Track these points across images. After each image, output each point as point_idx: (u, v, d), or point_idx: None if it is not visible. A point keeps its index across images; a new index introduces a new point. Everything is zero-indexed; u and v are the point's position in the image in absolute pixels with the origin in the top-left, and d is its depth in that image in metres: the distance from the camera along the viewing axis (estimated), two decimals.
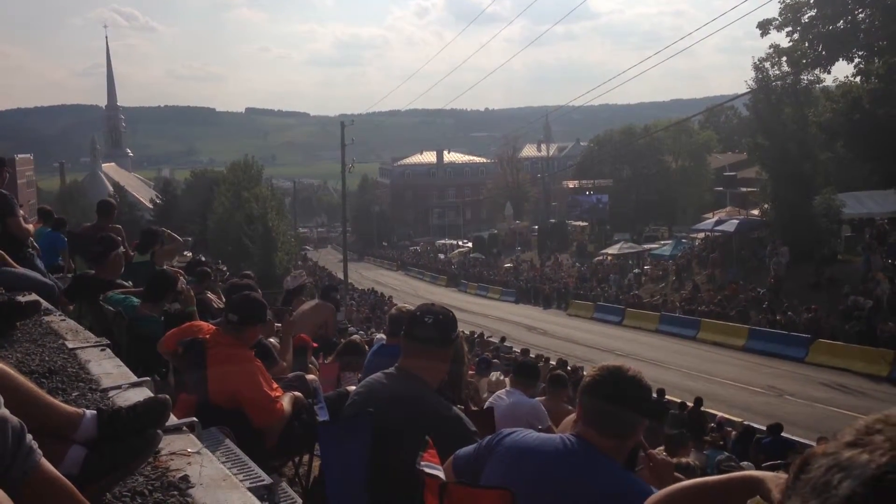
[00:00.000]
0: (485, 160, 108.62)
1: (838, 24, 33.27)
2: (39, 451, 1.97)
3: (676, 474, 2.69)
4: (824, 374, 23.02)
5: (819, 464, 0.91)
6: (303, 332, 7.39)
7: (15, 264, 5.87)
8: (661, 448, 7.84)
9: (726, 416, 16.96)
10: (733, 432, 15.30)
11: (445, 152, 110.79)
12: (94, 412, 2.44)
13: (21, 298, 4.72)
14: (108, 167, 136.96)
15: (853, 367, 22.83)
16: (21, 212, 6.78)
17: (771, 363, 24.73)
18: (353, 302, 39.47)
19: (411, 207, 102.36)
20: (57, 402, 2.46)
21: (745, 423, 16.10)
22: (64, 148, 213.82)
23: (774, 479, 1.73)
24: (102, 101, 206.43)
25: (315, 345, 7.85)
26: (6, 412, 1.97)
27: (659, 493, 2.04)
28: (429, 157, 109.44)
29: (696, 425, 14.71)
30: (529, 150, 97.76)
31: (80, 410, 2.43)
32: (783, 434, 13.96)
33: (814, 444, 9.38)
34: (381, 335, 10.38)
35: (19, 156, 59.35)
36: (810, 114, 33.38)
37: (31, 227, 7.29)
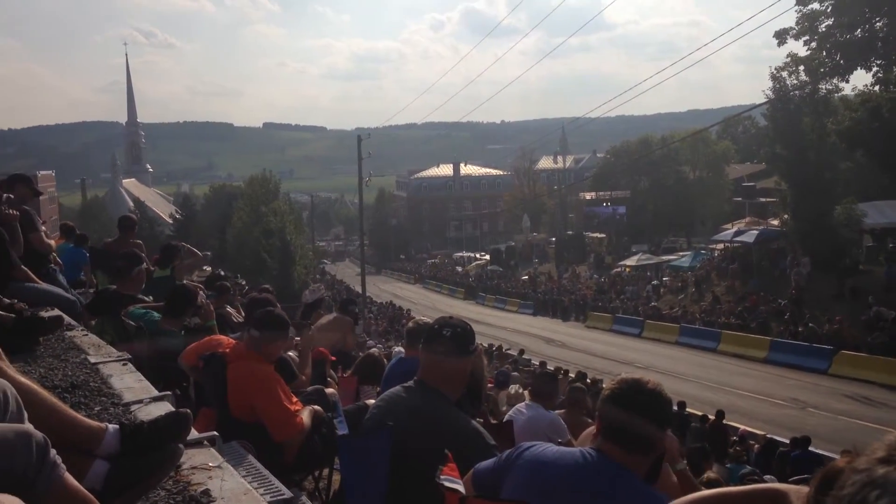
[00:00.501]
0: (501, 172, 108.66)
1: (856, 33, 33.08)
2: (63, 465, 1.99)
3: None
4: (848, 385, 22.78)
5: (853, 480, 0.90)
6: (321, 346, 7.40)
7: (38, 280, 5.93)
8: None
9: (748, 429, 16.79)
10: (756, 445, 15.16)
11: (462, 165, 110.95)
12: (117, 426, 2.46)
13: (44, 314, 4.76)
14: (129, 183, 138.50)
15: (877, 379, 22.56)
16: (43, 228, 6.86)
17: (793, 375, 24.49)
18: (371, 315, 39.54)
19: (428, 220, 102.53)
20: (80, 416, 2.48)
21: (768, 436, 15.96)
22: (85, 164, 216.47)
23: (797, 492, 1.72)
24: (122, 118, 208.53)
25: (333, 358, 7.85)
26: (30, 427, 1.99)
27: (678, 502, 2.02)
28: (445, 169, 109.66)
29: (717, 439, 14.58)
30: (546, 162, 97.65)
31: (102, 425, 2.45)
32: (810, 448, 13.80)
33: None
34: (399, 348, 10.37)
35: (41, 172, 60.10)
36: (829, 123, 33.15)
37: (53, 242, 7.38)
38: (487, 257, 71.05)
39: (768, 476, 11.30)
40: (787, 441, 14.60)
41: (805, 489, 1.33)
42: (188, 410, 2.66)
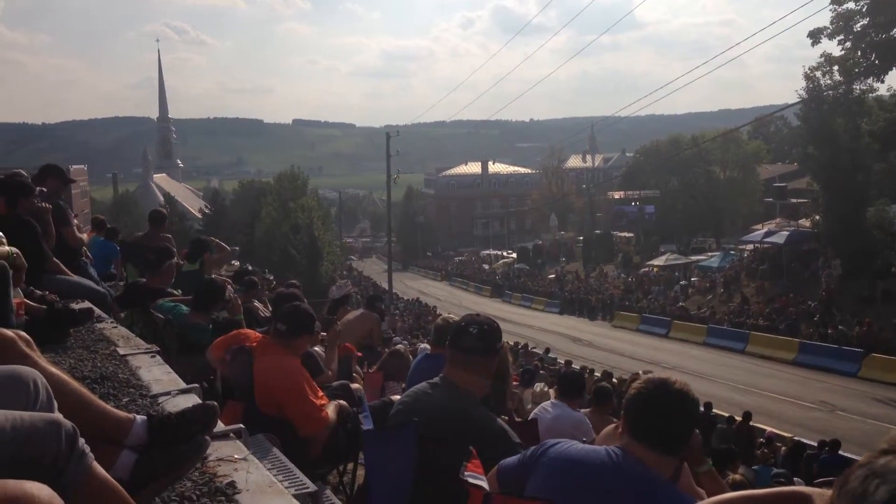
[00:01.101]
0: (530, 171, 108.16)
1: (892, 33, 32.56)
2: (91, 455, 2.01)
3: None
4: (878, 389, 22.48)
5: (856, 475, 0.91)
6: (348, 342, 7.43)
7: (69, 272, 6.01)
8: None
9: (776, 431, 16.63)
10: (783, 448, 15.01)
11: (490, 163, 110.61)
12: (145, 418, 2.48)
13: (75, 306, 4.83)
14: (160, 178, 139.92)
15: None
16: (75, 221, 6.95)
17: (822, 378, 24.21)
18: (397, 311, 39.59)
19: (456, 218, 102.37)
20: (109, 407, 2.51)
21: (795, 438, 15.78)
22: (117, 159, 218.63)
23: (821, 495, 1.70)
24: (154, 114, 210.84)
25: (359, 354, 7.89)
26: (60, 416, 2.02)
27: (705, 502, 2.01)
28: (473, 167, 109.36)
29: (744, 440, 14.46)
30: (574, 161, 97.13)
31: (130, 416, 2.48)
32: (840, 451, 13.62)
33: None
34: (425, 345, 10.39)
35: (74, 167, 60.57)
36: (863, 123, 32.69)
37: (84, 236, 7.47)
38: (514, 255, 70.90)
39: (797, 479, 11.18)
40: (815, 444, 14.44)
41: (829, 492, 1.32)
42: (215, 403, 2.68)
